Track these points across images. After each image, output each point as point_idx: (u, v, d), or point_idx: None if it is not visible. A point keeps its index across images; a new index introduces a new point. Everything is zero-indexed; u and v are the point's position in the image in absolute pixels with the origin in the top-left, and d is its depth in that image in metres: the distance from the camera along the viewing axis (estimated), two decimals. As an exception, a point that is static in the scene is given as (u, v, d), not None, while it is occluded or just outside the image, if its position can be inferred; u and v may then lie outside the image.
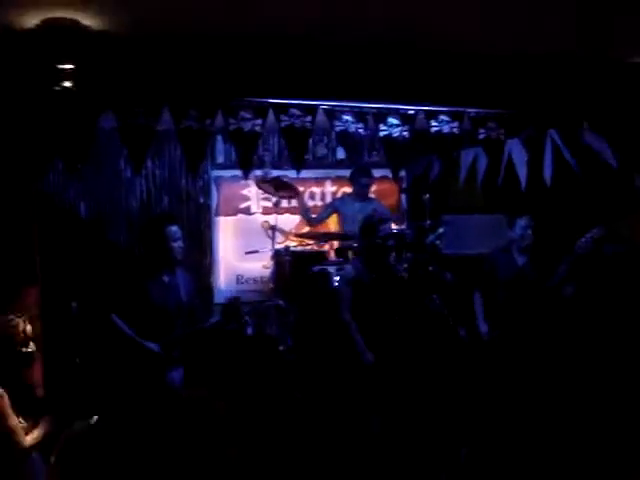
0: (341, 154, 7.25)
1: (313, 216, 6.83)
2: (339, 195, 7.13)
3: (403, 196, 7.42)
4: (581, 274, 5.08)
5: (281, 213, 6.80)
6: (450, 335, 5.08)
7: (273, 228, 6.20)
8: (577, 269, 4.97)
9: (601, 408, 4.33)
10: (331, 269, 5.67)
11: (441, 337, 5.00)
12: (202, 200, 7.03)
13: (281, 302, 5.75)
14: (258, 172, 6.66)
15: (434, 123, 5.24)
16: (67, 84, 4.29)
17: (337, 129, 5.06)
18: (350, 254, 5.91)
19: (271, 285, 6.21)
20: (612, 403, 4.39)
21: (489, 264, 5.20)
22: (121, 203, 6.74)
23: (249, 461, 2.47)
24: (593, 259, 5.07)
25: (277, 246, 6.18)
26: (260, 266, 6.90)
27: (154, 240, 4.36)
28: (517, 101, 5.32)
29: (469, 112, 5.26)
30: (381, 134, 5.19)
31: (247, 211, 7.16)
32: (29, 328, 3.47)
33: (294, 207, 7.09)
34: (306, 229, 6.99)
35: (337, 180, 7.31)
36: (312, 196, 7.33)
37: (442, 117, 5.23)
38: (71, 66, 4.26)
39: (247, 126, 4.81)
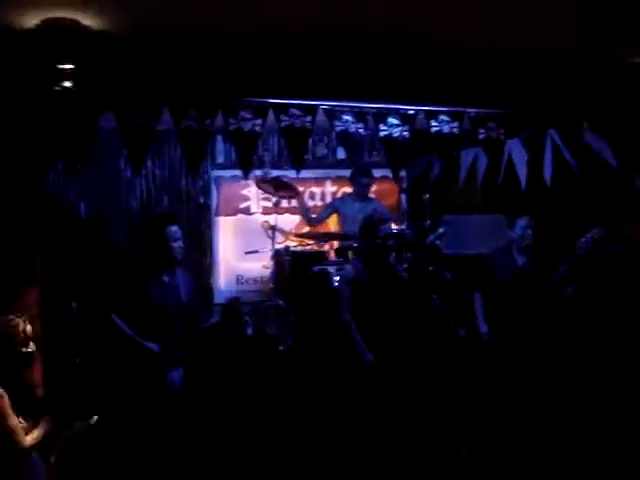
0: (341, 154, 7.25)
1: (313, 216, 6.83)
2: (339, 195, 7.13)
3: (403, 196, 7.42)
4: (581, 274, 5.08)
5: (281, 213, 6.80)
6: (450, 335, 5.08)
7: (273, 228, 6.20)
8: (577, 269, 4.97)
9: (601, 408, 4.33)
10: (331, 269, 5.67)
11: (441, 337, 5.00)
12: (202, 200, 7.03)
13: (281, 302, 5.75)
14: (258, 172, 6.67)
15: (434, 123, 5.24)
16: (67, 84, 4.29)
17: (337, 129, 5.06)
18: (350, 254, 5.91)
19: (271, 285, 6.21)
20: (612, 403, 4.39)
21: (489, 264, 5.20)
22: (121, 203, 6.74)
23: (249, 461, 2.47)
24: (593, 259, 5.06)
25: (277, 246, 6.18)
26: (260, 266, 6.90)
27: (154, 240, 4.36)
28: (517, 101, 5.32)
29: (469, 112, 5.27)
30: (381, 134, 5.19)
31: (247, 211, 7.16)
32: (29, 328, 3.47)
33: (294, 207, 7.09)
34: (306, 229, 7.00)
35: (337, 180, 7.31)
36: (312, 196, 7.33)
37: (442, 117, 5.23)
38: (71, 66, 4.26)
39: (247, 126, 4.81)
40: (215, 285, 7.00)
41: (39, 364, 4.37)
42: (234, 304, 5.69)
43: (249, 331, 5.54)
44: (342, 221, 6.54)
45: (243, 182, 6.81)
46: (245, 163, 4.97)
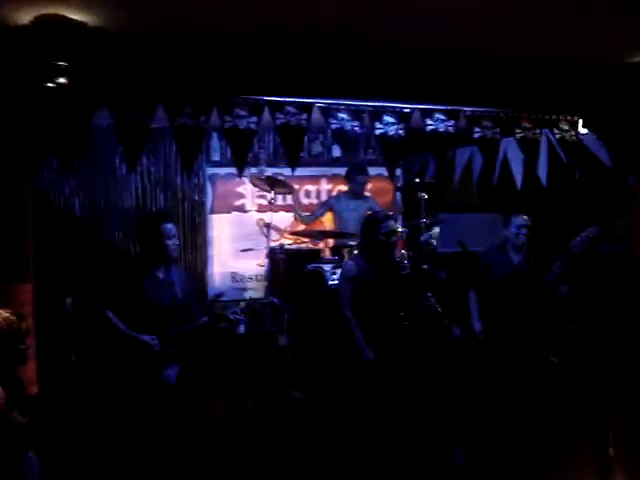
0: (337, 152, 7.25)
1: (307, 214, 6.82)
2: (334, 193, 7.13)
3: (398, 194, 7.43)
4: (576, 273, 5.09)
5: (276, 211, 6.80)
6: (444, 333, 5.08)
7: (268, 226, 6.19)
8: (572, 268, 4.98)
9: (596, 406, 4.35)
10: (326, 267, 5.67)
11: (436, 335, 5.00)
12: (197, 198, 7.02)
13: (276, 300, 5.74)
14: (253, 170, 6.66)
15: (430, 122, 5.24)
16: (61, 81, 4.28)
17: (333, 127, 5.06)
18: (345, 252, 5.90)
19: (266, 283, 6.20)
20: (607, 400, 4.40)
21: (484, 262, 5.20)
22: (116, 200, 6.73)
23: (249, 461, 2.48)
24: (588, 258, 5.08)
25: (272, 244, 6.18)
26: (255, 264, 6.90)
27: (149, 237, 4.35)
28: (512, 100, 5.32)
29: (465, 111, 5.27)
30: (377, 132, 5.19)
31: (242, 209, 7.15)
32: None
33: (289, 205, 7.09)
34: (301, 227, 6.99)
35: (332, 178, 7.31)
36: (307, 194, 7.33)
37: (438, 116, 5.23)
38: (65, 63, 4.24)
39: (242, 124, 4.81)
40: (210, 283, 7.00)
41: (33, 361, 4.36)
42: (216, 300, 5.66)
43: (242, 329, 5.53)
44: (337, 219, 6.54)
45: (238, 180, 6.81)
46: (240, 161, 4.97)
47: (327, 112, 5.00)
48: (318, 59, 4.86)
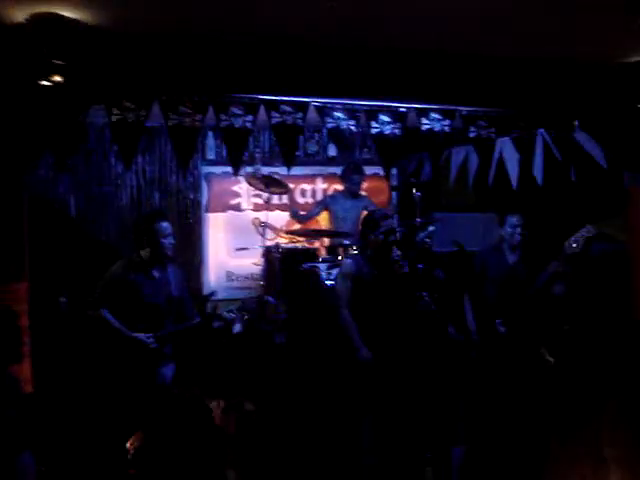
0: (332, 151, 7.25)
1: (302, 213, 6.82)
2: (330, 192, 7.13)
3: (394, 194, 7.42)
4: (571, 273, 5.10)
5: (272, 210, 6.79)
6: (439, 333, 5.08)
7: (264, 225, 6.18)
8: (567, 268, 4.99)
9: (591, 405, 4.35)
10: (321, 266, 5.67)
11: (431, 335, 5.00)
12: (192, 196, 7.01)
13: (271, 299, 5.74)
14: (249, 169, 6.65)
15: (425, 121, 5.25)
16: (56, 79, 4.27)
17: (328, 126, 5.06)
18: (341, 251, 5.90)
19: (261, 282, 6.20)
20: (602, 399, 4.41)
21: (480, 262, 5.20)
22: (111, 199, 6.71)
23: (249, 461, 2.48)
24: (582, 258, 5.09)
25: (267, 243, 6.17)
26: (250, 263, 6.89)
27: (145, 236, 4.34)
28: (508, 100, 5.33)
29: (460, 110, 5.28)
30: (372, 131, 5.19)
31: (238, 208, 7.14)
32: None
33: (285, 204, 7.08)
34: (297, 226, 6.99)
35: (328, 177, 7.30)
36: (303, 193, 7.33)
37: (433, 115, 5.24)
38: (60, 61, 4.23)
39: (238, 122, 4.81)
40: (205, 281, 6.99)
41: (28, 360, 4.35)
42: (206, 298, 5.66)
43: (237, 328, 5.52)
44: (333, 218, 6.53)
45: (234, 179, 6.79)
46: (236, 159, 4.97)
47: (323, 111, 5.00)
48: (314, 58, 4.86)
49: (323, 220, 6.88)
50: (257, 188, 6.38)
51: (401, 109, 5.18)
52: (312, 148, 7.32)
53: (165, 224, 4.34)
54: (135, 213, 6.64)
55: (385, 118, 5.15)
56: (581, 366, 4.82)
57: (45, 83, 4.25)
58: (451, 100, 5.28)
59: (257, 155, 6.99)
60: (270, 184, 6.08)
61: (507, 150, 5.51)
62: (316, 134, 7.24)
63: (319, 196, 7.25)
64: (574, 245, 4.76)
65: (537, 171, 5.49)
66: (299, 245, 6.47)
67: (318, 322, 5.07)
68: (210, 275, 7.02)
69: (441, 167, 6.17)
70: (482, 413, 4.58)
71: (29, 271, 4.81)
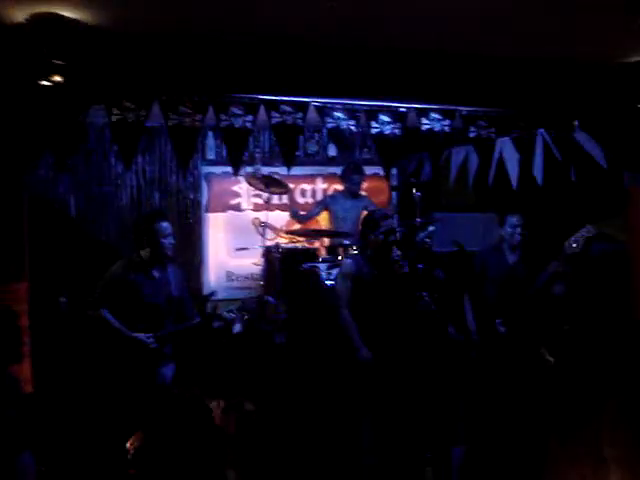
0: (332, 151, 7.24)
1: (302, 213, 6.82)
2: (330, 192, 7.13)
3: (394, 194, 7.42)
4: (571, 273, 5.10)
5: (272, 210, 6.79)
6: (439, 333, 5.08)
7: (264, 225, 6.18)
8: (567, 268, 4.99)
9: (591, 404, 4.35)
10: (321, 266, 5.67)
11: (431, 334, 5.00)
12: (192, 196, 7.01)
13: (271, 299, 5.74)
14: (249, 169, 6.65)
15: (425, 121, 5.25)
16: (56, 79, 4.27)
17: (328, 126, 5.06)
18: (341, 251, 5.90)
19: (261, 282, 6.20)
20: (602, 399, 4.41)
21: (480, 262, 5.20)
22: (111, 199, 6.71)
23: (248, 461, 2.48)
24: (582, 258, 5.09)
25: (267, 243, 6.17)
26: (250, 263, 6.89)
27: (145, 236, 4.34)
28: (508, 100, 5.33)
29: (460, 110, 5.27)
30: (373, 131, 5.19)
31: (238, 208, 7.14)
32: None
33: (285, 204, 7.08)
34: (297, 226, 6.99)
35: (328, 177, 7.30)
36: (303, 193, 7.32)
37: (433, 115, 5.24)
38: (60, 61, 4.23)
39: (238, 122, 4.81)
40: (205, 281, 6.99)
41: (28, 360, 4.35)
42: (206, 298, 5.66)
43: (237, 328, 5.52)
44: (333, 218, 6.53)
45: (234, 179, 6.79)
46: (236, 159, 4.97)
47: (323, 111, 5.00)
48: (314, 58, 4.86)
49: (323, 220, 6.88)
50: (257, 188, 6.38)
51: (401, 109, 5.18)
52: (312, 148, 7.32)
53: (165, 224, 4.34)
54: (135, 213, 6.64)
55: (385, 118, 5.15)
56: (581, 366, 4.82)
57: (45, 83, 4.25)
58: (451, 100, 5.28)
59: (257, 155, 6.99)
60: (270, 184, 6.08)
61: (507, 150, 5.51)
62: (316, 134, 7.24)
63: (319, 196, 7.25)
64: (574, 245, 4.75)
65: (537, 171, 5.48)
66: (299, 245, 6.47)
67: (318, 322, 5.07)
68: (210, 275, 7.02)
69: (441, 167, 6.17)
70: (482, 413, 4.58)
71: (29, 271, 4.81)
